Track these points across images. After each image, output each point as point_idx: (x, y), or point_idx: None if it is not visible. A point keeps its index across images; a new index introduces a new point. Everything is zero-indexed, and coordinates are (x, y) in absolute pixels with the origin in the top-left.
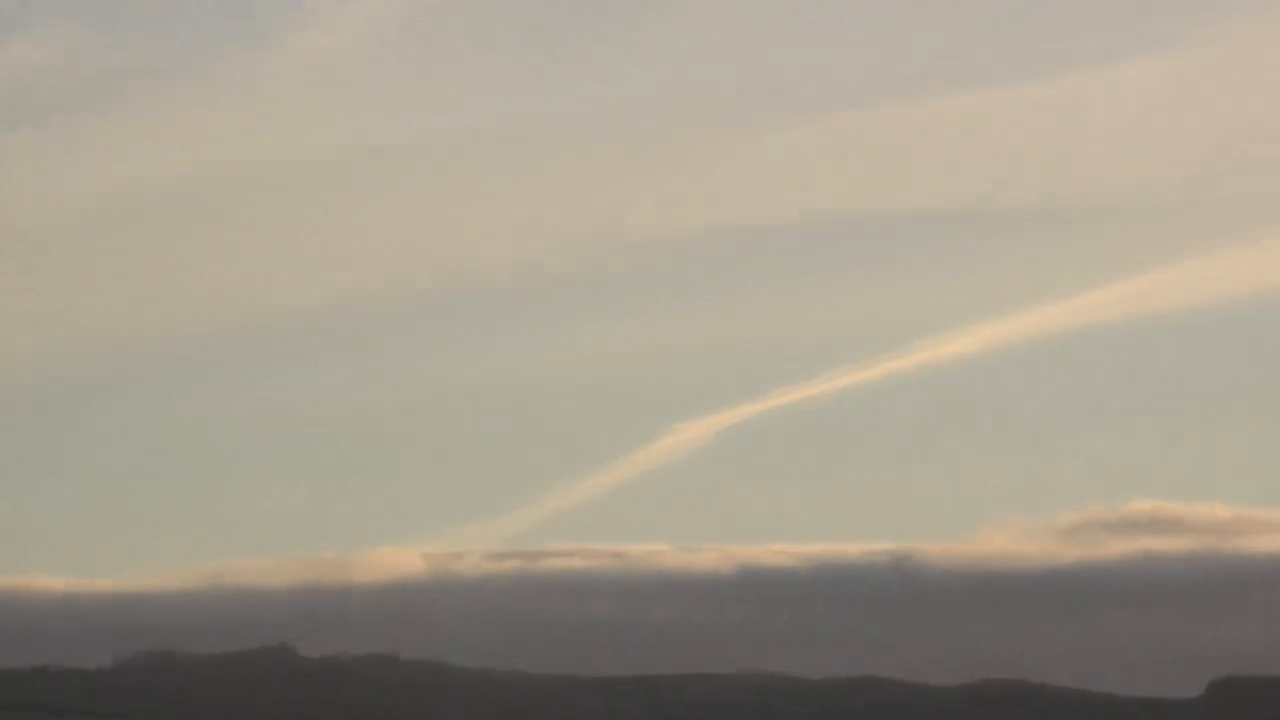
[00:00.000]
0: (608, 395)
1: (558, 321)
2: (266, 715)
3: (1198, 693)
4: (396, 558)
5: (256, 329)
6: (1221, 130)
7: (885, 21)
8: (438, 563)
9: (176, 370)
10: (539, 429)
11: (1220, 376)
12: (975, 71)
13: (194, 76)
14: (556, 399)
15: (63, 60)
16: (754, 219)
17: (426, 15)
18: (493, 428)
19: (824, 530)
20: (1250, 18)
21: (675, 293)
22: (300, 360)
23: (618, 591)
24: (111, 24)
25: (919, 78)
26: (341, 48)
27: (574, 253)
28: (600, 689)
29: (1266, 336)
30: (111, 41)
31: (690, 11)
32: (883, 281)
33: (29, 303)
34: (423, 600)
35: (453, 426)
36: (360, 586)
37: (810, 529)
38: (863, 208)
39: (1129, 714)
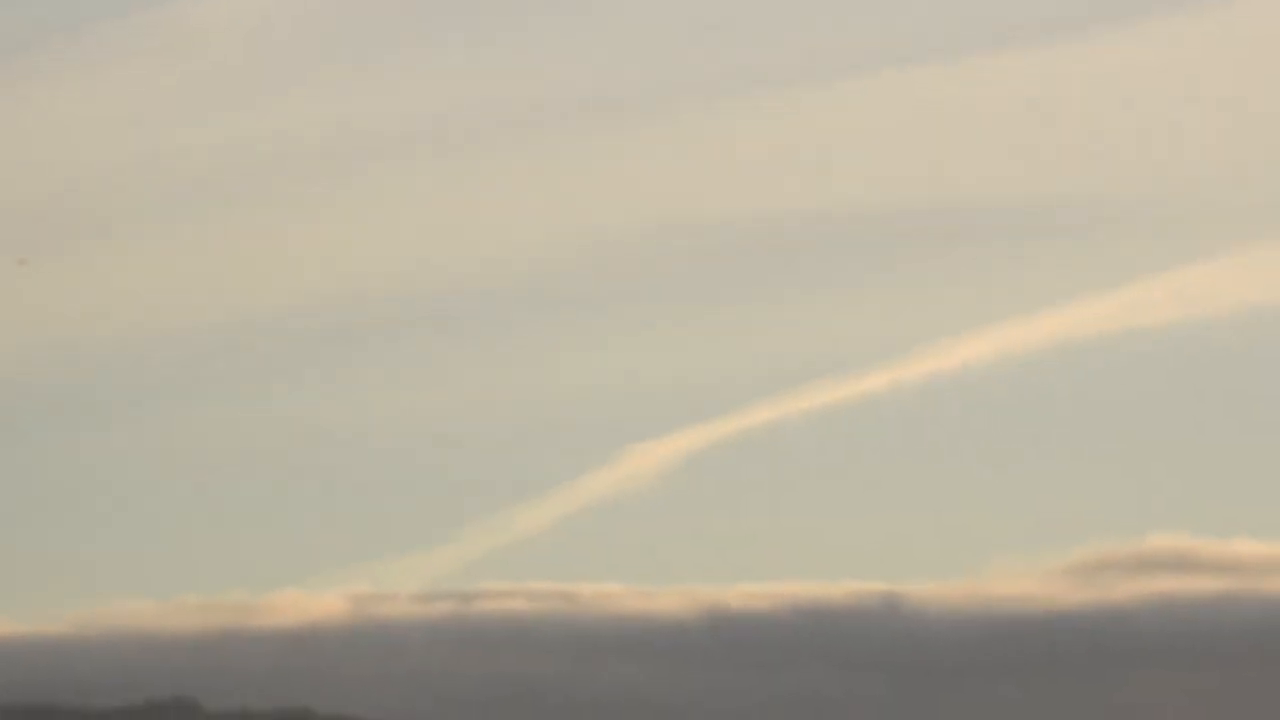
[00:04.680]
0: (554, 414)
1: (496, 336)
2: None
3: None
4: (311, 600)
5: (149, 351)
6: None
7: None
8: (358, 605)
9: (57, 393)
10: (474, 453)
11: (1259, 393)
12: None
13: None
14: (495, 419)
15: None
16: (719, 215)
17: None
18: (422, 453)
19: (804, 568)
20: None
21: (629, 298)
22: (201, 383)
23: (564, 639)
24: None
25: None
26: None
27: (509, 261)
28: None
29: None
30: None
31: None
32: (871, 286)
33: None
34: (341, 648)
35: (377, 452)
36: (270, 632)
37: (787, 566)
38: (849, 203)
39: None
